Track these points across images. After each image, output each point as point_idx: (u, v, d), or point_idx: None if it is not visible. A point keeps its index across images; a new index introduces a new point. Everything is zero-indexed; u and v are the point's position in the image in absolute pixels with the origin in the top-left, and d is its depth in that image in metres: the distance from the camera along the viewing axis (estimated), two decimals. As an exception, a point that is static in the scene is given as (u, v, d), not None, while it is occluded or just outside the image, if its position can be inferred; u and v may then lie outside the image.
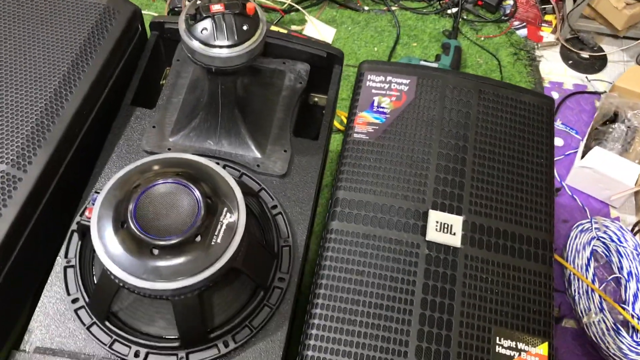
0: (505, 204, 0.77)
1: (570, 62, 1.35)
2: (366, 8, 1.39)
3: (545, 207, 0.78)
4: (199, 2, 0.70)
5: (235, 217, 0.64)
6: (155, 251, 0.60)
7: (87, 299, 0.67)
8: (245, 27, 0.69)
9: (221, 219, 0.63)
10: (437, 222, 0.74)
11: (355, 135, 0.81)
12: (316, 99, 0.97)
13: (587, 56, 1.35)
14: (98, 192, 0.66)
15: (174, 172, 0.65)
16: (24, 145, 0.70)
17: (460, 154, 0.79)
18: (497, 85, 0.86)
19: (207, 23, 0.68)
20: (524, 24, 1.38)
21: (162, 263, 0.60)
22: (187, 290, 0.61)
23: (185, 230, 0.61)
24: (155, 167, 0.66)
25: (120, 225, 0.62)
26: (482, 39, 1.38)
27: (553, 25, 1.38)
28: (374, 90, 0.85)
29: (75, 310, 0.68)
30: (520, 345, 0.68)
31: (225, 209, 0.64)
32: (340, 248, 0.72)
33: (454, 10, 1.39)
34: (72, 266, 0.70)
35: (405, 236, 0.73)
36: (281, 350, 0.68)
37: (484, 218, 0.75)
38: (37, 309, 0.69)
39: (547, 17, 1.38)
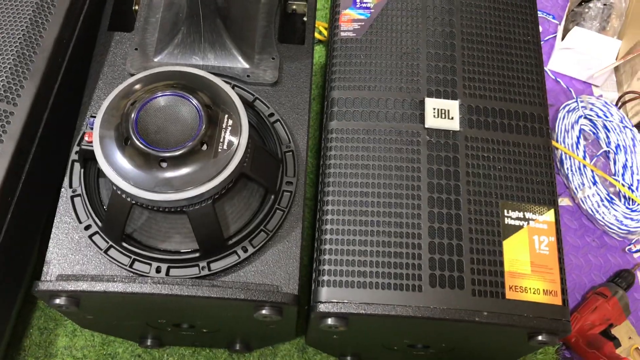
0: (498, 83, 0.77)
1: (541, -53, 1.33)
2: None
3: (537, 83, 0.78)
4: None
5: (237, 123, 0.64)
6: (164, 164, 0.60)
7: (100, 224, 0.67)
8: None
9: (224, 126, 0.63)
10: (434, 108, 0.75)
11: (342, 33, 0.80)
12: (294, 7, 0.94)
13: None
14: (94, 116, 0.65)
15: (169, 85, 0.64)
16: (10, 79, 0.68)
17: (449, 40, 0.79)
18: (477, -32, 0.85)
19: None
20: None
21: (172, 174, 0.60)
22: (201, 198, 0.62)
23: (190, 139, 0.61)
24: (148, 82, 0.65)
25: (124, 142, 0.61)
26: None
27: None
28: (354, -13, 0.84)
29: (90, 237, 0.68)
30: (528, 215, 0.70)
31: (227, 115, 0.64)
32: (342, 146, 0.73)
33: None
34: (78, 195, 0.70)
35: (404, 126, 0.74)
36: (298, 250, 0.69)
37: (479, 99, 0.76)
38: (50, 241, 0.68)
39: None
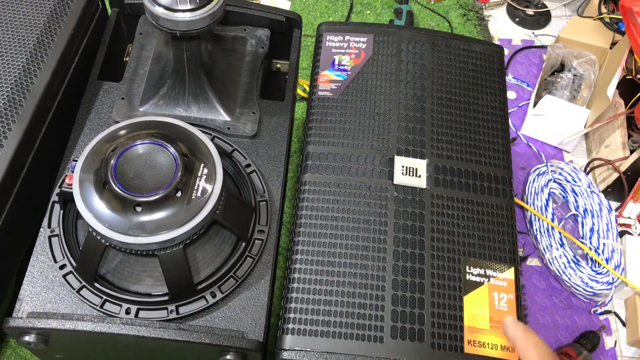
0: (465, 145, 0.82)
1: (517, 19, 1.41)
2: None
3: (502, 147, 0.83)
4: (159, -31, 0.72)
5: (212, 172, 0.67)
6: (139, 208, 0.63)
7: (74, 264, 0.70)
8: (206, -9, 0.71)
9: (199, 174, 0.66)
10: (402, 166, 0.78)
11: (320, 92, 0.85)
12: (278, 65, 1.00)
13: (532, 13, 1.41)
14: (76, 160, 0.68)
15: (149, 134, 0.67)
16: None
17: (420, 103, 0.84)
18: (449, 37, 0.91)
19: (168, -11, 0.70)
20: (471, -14, 1.43)
21: (146, 218, 0.63)
22: (172, 243, 0.64)
23: (165, 186, 0.64)
24: (130, 130, 0.68)
25: (102, 186, 0.64)
26: (432, 2, 1.43)
27: (498, -14, 1.44)
28: (333, 50, 0.89)
29: (64, 276, 0.70)
30: (489, 272, 0.73)
31: (202, 164, 0.67)
32: (314, 198, 0.76)
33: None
34: (56, 235, 0.72)
35: (374, 182, 0.77)
36: (266, 297, 0.71)
37: (446, 160, 0.80)
38: (25, 279, 0.70)
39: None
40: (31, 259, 0.71)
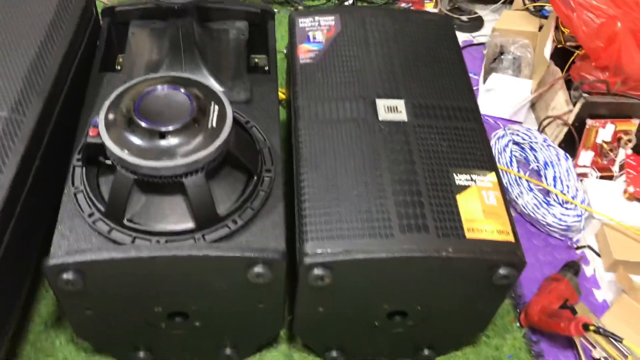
0: (434, 87, 0.93)
1: (455, 26, 1.59)
2: (276, 10, 1.57)
3: (465, 85, 0.95)
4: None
5: (222, 110, 0.76)
6: (163, 137, 0.71)
7: (102, 210, 0.75)
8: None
9: (211, 111, 0.75)
10: (384, 106, 0.89)
11: (301, 61, 0.96)
12: (257, 60, 1.11)
13: (467, 19, 1.59)
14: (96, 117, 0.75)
15: (162, 81, 0.76)
16: (19, 95, 0.79)
17: (389, 59, 0.96)
18: (405, 11, 1.05)
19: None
20: (410, 4, 1.62)
21: (171, 143, 0.70)
22: (197, 166, 0.71)
23: (184, 118, 0.72)
24: (145, 82, 0.77)
25: (127, 124, 0.72)
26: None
27: (434, 1, 1.63)
28: (307, 29, 1.01)
29: (93, 223, 0.75)
30: (474, 177, 0.82)
31: (213, 102, 0.76)
32: (311, 137, 0.85)
33: (350, 1, 1.61)
34: (80, 191, 0.78)
35: (361, 120, 0.87)
36: (282, 221, 0.78)
37: (420, 99, 0.91)
38: (55, 234, 0.75)
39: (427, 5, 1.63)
40: (59, 216, 0.76)
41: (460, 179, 0.82)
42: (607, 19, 1.08)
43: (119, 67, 1.05)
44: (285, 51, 1.30)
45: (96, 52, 0.96)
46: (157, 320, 0.81)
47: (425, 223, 0.76)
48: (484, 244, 0.75)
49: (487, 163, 0.85)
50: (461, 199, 0.79)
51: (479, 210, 0.79)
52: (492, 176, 0.83)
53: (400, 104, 0.89)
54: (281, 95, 1.33)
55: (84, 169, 0.79)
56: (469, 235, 0.76)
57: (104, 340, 0.86)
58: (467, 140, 0.87)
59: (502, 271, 0.75)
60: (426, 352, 0.92)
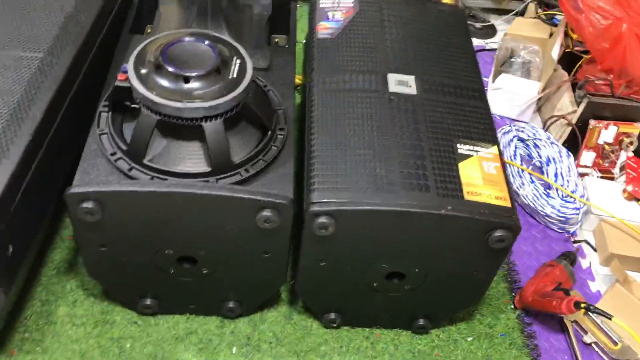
0: (444, 69, 0.98)
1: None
2: (298, 6, 1.64)
3: (473, 68, 1.00)
4: None
5: (244, 63, 0.81)
6: (187, 81, 0.76)
7: (124, 149, 0.80)
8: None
9: (233, 63, 0.80)
10: (395, 80, 0.94)
11: (320, 36, 1.01)
12: (277, 40, 1.16)
13: (480, 26, 1.65)
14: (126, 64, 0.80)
15: (188, 34, 0.82)
16: (56, 40, 0.84)
17: (403, 40, 1.01)
18: (420, 0, 1.10)
19: None
20: None
21: (194, 87, 0.75)
22: (216, 111, 0.76)
23: (208, 66, 0.77)
24: (173, 34, 0.82)
25: (154, 69, 0.77)
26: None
27: None
28: (326, 9, 1.07)
29: (115, 161, 0.80)
30: (476, 148, 0.87)
31: (235, 56, 0.81)
32: (324, 104, 0.90)
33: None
34: (105, 133, 0.83)
35: (372, 91, 0.92)
36: (291, 173, 0.82)
37: (430, 76, 0.96)
38: (77, 169, 0.80)
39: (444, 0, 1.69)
40: (83, 154, 0.81)
41: (462, 148, 0.86)
42: (613, 20, 1.13)
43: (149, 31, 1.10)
44: (304, 42, 1.36)
45: (127, 16, 1.02)
46: (166, 265, 0.85)
47: (427, 183, 0.80)
48: (481, 207, 0.79)
49: (490, 137, 0.89)
50: (462, 166, 0.83)
51: (479, 177, 0.83)
52: (493, 149, 0.87)
53: (410, 79, 0.94)
54: (297, 81, 1.38)
55: (109, 113, 0.84)
56: (467, 197, 0.80)
57: (114, 282, 0.89)
58: (472, 116, 0.91)
59: (497, 233, 0.78)
60: (422, 321, 0.95)
